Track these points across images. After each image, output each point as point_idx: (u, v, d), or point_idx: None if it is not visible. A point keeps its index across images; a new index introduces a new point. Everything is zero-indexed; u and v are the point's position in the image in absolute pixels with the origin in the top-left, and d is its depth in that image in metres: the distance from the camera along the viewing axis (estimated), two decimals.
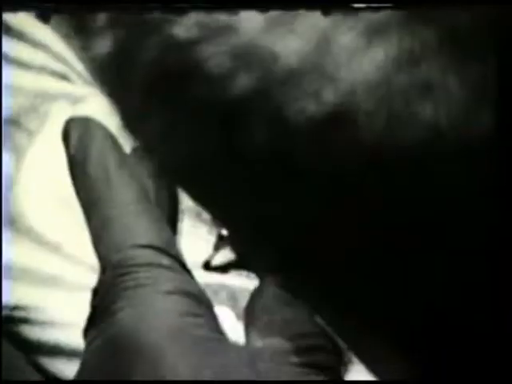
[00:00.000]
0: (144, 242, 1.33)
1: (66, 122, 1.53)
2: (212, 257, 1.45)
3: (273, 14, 0.27)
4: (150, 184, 1.47)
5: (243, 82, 0.27)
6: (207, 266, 1.44)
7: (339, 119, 0.27)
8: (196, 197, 0.32)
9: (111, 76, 0.31)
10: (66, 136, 1.52)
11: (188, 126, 0.29)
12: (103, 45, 0.30)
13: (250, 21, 0.27)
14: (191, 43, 0.28)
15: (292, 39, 0.27)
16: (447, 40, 0.26)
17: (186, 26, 0.28)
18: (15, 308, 1.37)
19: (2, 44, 1.51)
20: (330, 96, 0.26)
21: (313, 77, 0.26)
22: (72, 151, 1.49)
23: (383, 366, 0.33)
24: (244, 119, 0.28)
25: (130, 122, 0.32)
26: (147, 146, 0.32)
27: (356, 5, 0.26)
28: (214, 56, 0.27)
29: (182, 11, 0.28)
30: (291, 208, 0.29)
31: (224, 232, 1.43)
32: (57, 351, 1.36)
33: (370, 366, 0.34)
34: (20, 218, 1.46)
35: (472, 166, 0.27)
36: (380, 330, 0.31)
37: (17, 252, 1.42)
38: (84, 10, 0.30)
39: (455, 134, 0.26)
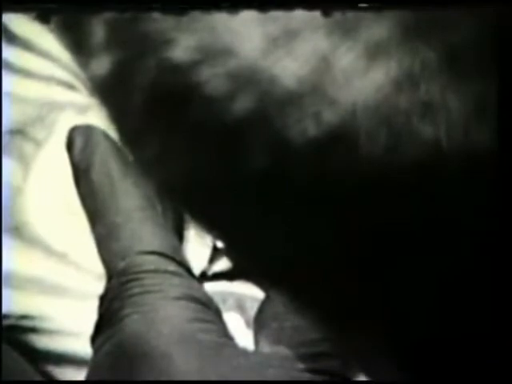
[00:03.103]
0: (149, 248, 1.33)
1: (69, 131, 1.53)
2: (208, 269, 1.45)
3: (272, 35, 0.27)
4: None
5: (242, 104, 0.27)
6: (203, 277, 1.43)
7: (340, 140, 0.27)
8: (195, 217, 0.32)
9: (109, 97, 0.31)
10: (69, 144, 1.52)
11: (187, 148, 0.29)
12: (101, 66, 0.30)
13: (248, 43, 0.27)
14: (190, 66, 0.28)
15: (291, 61, 0.26)
16: (447, 58, 0.26)
17: (184, 49, 0.28)
18: (22, 317, 1.37)
19: (1, 46, 1.51)
20: (330, 117, 0.26)
21: (313, 98, 0.26)
22: (76, 159, 1.49)
23: (385, 376, 0.33)
24: (243, 141, 0.28)
25: (128, 142, 0.32)
26: (145, 167, 0.32)
27: (358, 4, 0.26)
28: (213, 78, 0.27)
29: (182, 11, 0.27)
30: (292, 227, 0.29)
31: (219, 244, 1.42)
32: (65, 360, 1.36)
33: (373, 375, 0.34)
34: (27, 228, 1.46)
35: (474, 184, 0.27)
36: (382, 340, 0.31)
37: (24, 261, 1.42)
38: (84, 11, 0.30)
39: (456, 152, 0.26)
